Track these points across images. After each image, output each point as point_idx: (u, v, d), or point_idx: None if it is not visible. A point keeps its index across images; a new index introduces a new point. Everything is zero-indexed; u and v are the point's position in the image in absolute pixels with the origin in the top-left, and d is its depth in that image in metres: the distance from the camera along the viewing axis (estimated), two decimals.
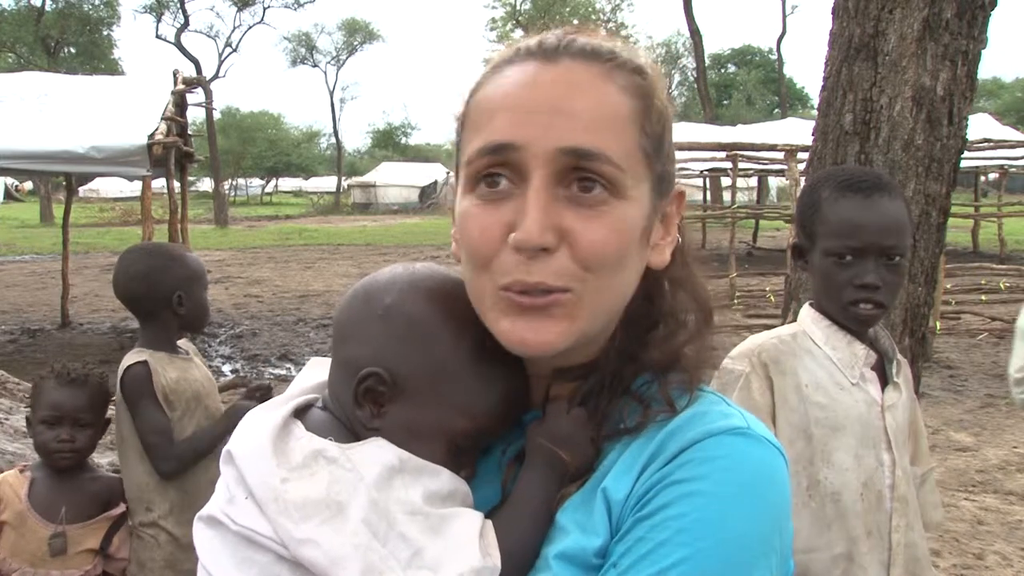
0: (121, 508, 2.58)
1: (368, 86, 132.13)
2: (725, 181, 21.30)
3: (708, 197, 23.36)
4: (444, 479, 0.88)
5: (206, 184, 46.07)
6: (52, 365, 2.62)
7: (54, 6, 41.72)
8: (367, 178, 50.04)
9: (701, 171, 19.28)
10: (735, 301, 11.99)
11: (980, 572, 4.26)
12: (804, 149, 7.15)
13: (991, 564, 4.35)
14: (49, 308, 12.57)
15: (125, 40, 65.04)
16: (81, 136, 8.22)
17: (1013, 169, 17.49)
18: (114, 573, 2.58)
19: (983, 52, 3.61)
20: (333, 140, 61.32)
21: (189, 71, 25.88)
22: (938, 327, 8.33)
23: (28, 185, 46.83)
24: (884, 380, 1.80)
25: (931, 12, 3.75)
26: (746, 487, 0.82)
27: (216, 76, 46.82)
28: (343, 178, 54.73)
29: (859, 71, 3.89)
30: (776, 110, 52.95)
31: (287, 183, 63.58)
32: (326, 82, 61.68)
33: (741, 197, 21.24)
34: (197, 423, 2.61)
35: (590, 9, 49.07)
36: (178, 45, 44.77)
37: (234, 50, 51.09)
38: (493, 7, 51.59)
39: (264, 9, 49.84)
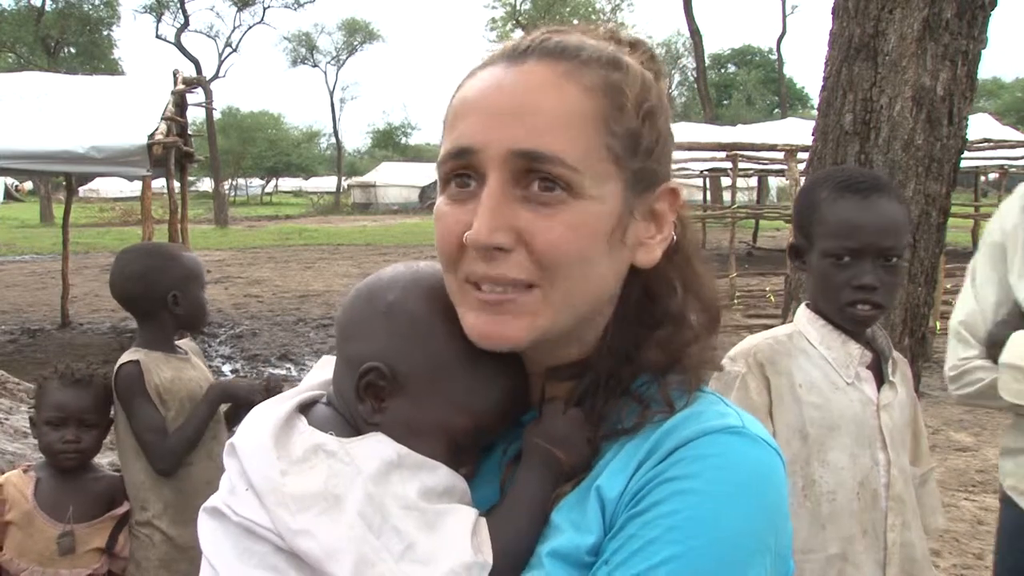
0: (125, 507, 2.59)
1: (368, 86, 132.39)
2: (725, 181, 21.29)
3: (708, 197, 23.35)
4: (441, 475, 0.89)
5: (206, 184, 46.08)
6: (55, 366, 2.63)
7: (54, 6, 41.73)
8: (367, 178, 50.04)
9: (701, 171, 19.27)
10: (735, 301, 11.99)
11: (980, 572, 4.26)
12: (804, 149, 7.16)
13: (991, 564, 4.35)
14: (49, 308, 12.57)
15: (125, 40, 65.23)
16: (81, 136, 8.22)
17: (1013, 169, 17.48)
18: (118, 572, 2.59)
19: (983, 52, 3.61)
20: (333, 140, 61.37)
21: (189, 71, 25.88)
22: (938, 327, 8.33)
23: (28, 185, 46.84)
24: (880, 379, 1.80)
25: (931, 12, 3.75)
26: (740, 486, 0.82)
27: (216, 76, 46.85)
28: (343, 178, 54.75)
29: (859, 71, 3.89)
30: (776, 110, 52.96)
31: (287, 183, 63.59)
32: (326, 82, 61.78)
33: (741, 197, 21.22)
34: None
35: (590, 9, 49.08)
36: (178, 45, 44.79)
37: (234, 50, 51.16)
38: (493, 7, 51.64)
39: (264, 9, 49.96)
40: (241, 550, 0.85)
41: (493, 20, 52.01)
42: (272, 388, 2.73)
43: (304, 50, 59.75)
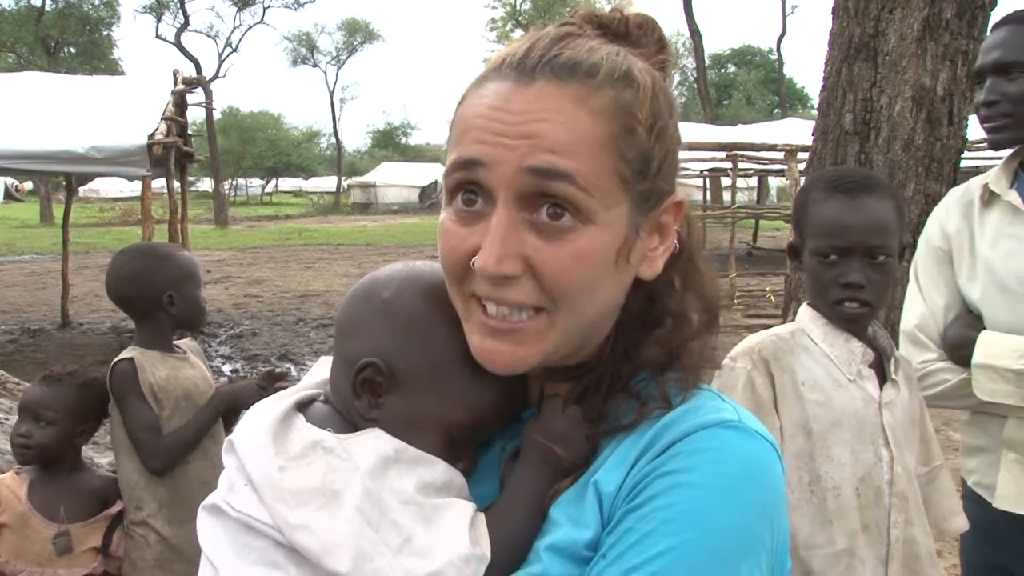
0: (119, 506, 2.58)
1: (368, 86, 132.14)
2: (725, 181, 21.30)
3: (708, 197, 23.36)
4: (439, 470, 0.89)
5: (206, 184, 46.07)
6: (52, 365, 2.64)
7: (54, 6, 41.75)
8: (367, 178, 50.05)
9: (701, 171, 19.27)
10: (735, 301, 11.99)
11: None
12: (804, 149, 7.16)
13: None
14: (49, 308, 12.57)
15: (125, 40, 65.32)
16: (81, 136, 8.22)
17: None
18: (113, 572, 2.58)
19: None
20: (333, 140, 61.38)
21: (189, 71, 25.90)
22: None
23: (28, 185, 46.84)
24: (883, 378, 1.81)
25: (931, 12, 3.75)
26: (735, 479, 0.82)
27: (216, 76, 46.89)
28: (343, 178, 54.76)
29: (859, 71, 3.89)
30: (776, 110, 52.97)
31: (287, 183, 63.58)
32: (326, 82, 61.80)
33: (741, 197, 21.24)
34: None
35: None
36: (178, 45, 44.81)
37: (234, 50, 51.19)
38: (493, 7, 51.68)
39: (264, 9, 50.01)
40: (240, 546, 0.86)
41: (493, 20, 52.08)
42: (277, 376, 2.73)
43: (304, 50, 59.81)
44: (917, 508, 1.79)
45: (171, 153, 8.97)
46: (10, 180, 40.46)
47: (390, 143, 65.23)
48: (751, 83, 63.79)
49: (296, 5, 50.18)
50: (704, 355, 0.93)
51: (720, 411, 0.87)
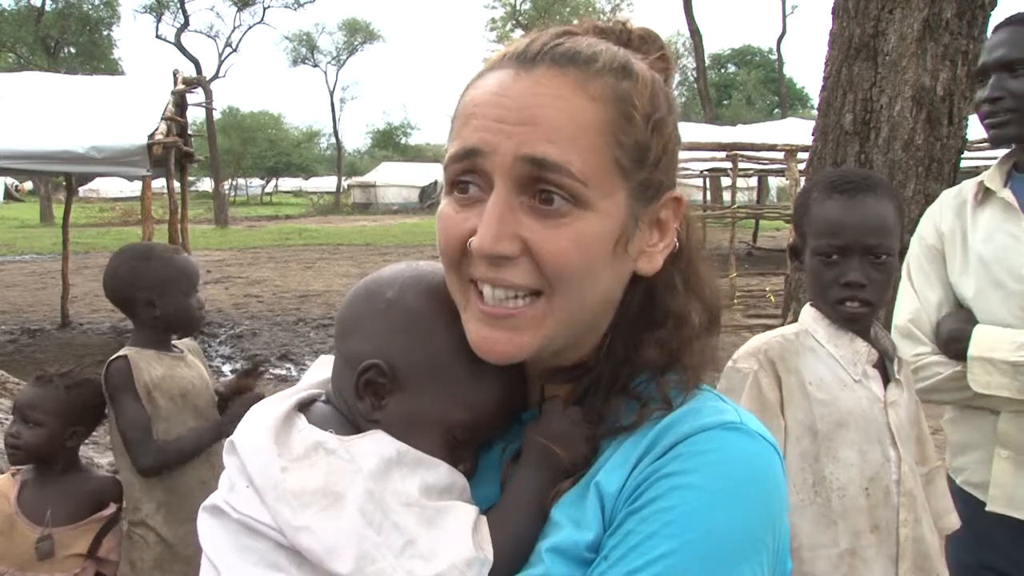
0: (111, 509, 2.56)
1: (368, 86, 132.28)
2: (725, 181, 21.28)
3: (708, 197, 23.35)
4: (442, 472, 0.89)
5: (206, 184, 46.07)
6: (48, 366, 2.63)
7: (54, 6, 41.75)
8: (367, 178, 50.02)
9: (701, 171, 19.26)
10: (735, 301, 11.98)
11: None
12: (804, 149, 7.15)
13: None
14: (49, 308, 12.56)
15: (125, 40, 65.36)
16: (81, 136, 8.22)
17: None
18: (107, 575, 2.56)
19: None
20: (333, 140, 61.37)
21: (189, 71, 25.90)
22: None
23: (28, 185, 46.83)
24: (886, 378, 1.82)
25: (931, 12, 3.75)
26: (737, 481, 0.82)
27: (216, 76, 46.88)
28: (343, 178, 54.75)
29: (859, 71, 3.89)
30: (776, 110, 52.96)
31: (287, 183, 63.58)
32: (326, 82, 61.83)
33: (741, 197, 21.23)
34: (184, 422, 2.59)
35: (590, 9, 49.08)
36: (178, 45, 44.80)
37: (234, 50, 51.21)
38: (493, 7, 51.66)
39: (264, 9, 50.00)
40: (241, 547, 0.85)
41: (493, 20, 52.06)
42: (255, 366, 2.76)
43: (304, 50, 59.80)
44: (923, 507, 1.80)
45: (171, 153, 8.98)
46: (10, 180, 40.48)
47: (390, 143, 65.21)
48: (751, 83, 63.79)
49: (296, 5, 50.19)
50: (705, 356, 0.93)
51: (721, 413, 0.87)
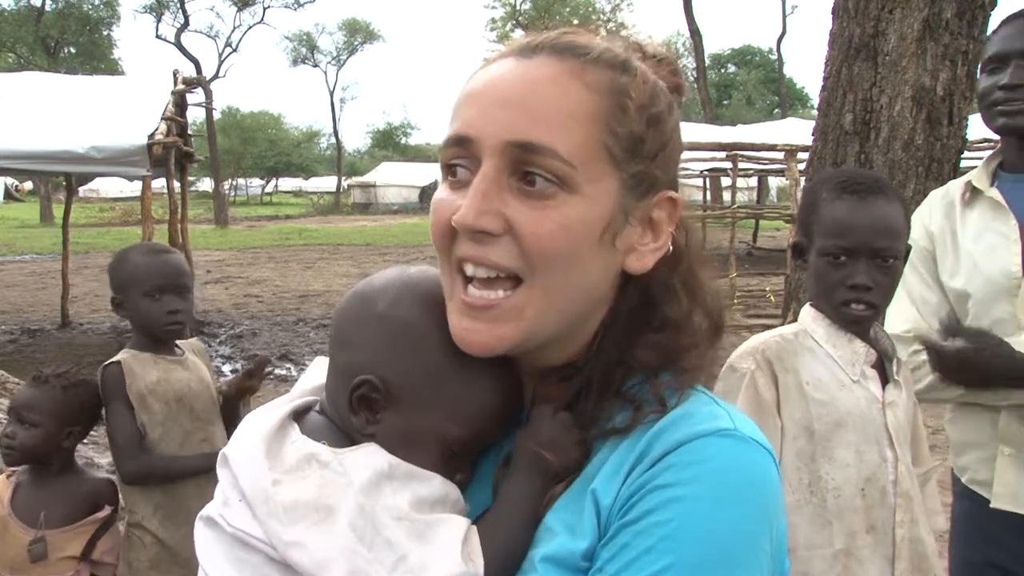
0: (105, 511, 2.55)
1: (368, 86, 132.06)
2: (725, 181, 21.28)
3: (708, 197, 23.35)
4: (434, 485, 0.88)
5: (206, 184, 46.05)
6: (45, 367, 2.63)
7: (54, 6, 41.74)
8: (367, 178, 50.01)
9: (701, 171, 19.25)
10: (735, 301, 11.97)
11: None
12: (804, 149, 7.15)
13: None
14: (49, 308, 12.56)
15: (125, 40, 65.35)
16: (81, 136, 8.22)
17: None
18: None
19: None
20: (333, 140, 61.37)
21: (189, 71, 25.88)
22: None
23: (28, 185, 46.82)
24: (885, 378, 1.81)
25: (931, 12, 3.75)
26: (733, 489, 0.81)
27: (216, 76, 46.86)
28: (343, 178, 54.75)
29: (859, 71, 3.89)
30: (776, 110, 52.95)
31: (287, 183, 63.58)
32: (326, 82, 61.77)
33: (741, 197, 21.23)
34: (180, 426, 2.56)
35: (590, 9, 49.07)
36: (178, 45, 44.79)
37: (234, 50, 51.17)
38: (493, 7, 51.64)
39: (264, 9, 49.98)
40: (235, 560, 0.85)
41: (493, 20, 52.03)
42: (259, 365, 2.72)
43: (304, 50, 59.79)
44: (919, 507, 1.80)
45: (171, 153, 8.96)
46: (10, 180, 40.46)
47: (390, 143, 65.20)
48: (751, 83, 63.78)
49: (296, 5, 50.17)
50: (702, 363, 0.91)
51: (715, 418, 0.86)
